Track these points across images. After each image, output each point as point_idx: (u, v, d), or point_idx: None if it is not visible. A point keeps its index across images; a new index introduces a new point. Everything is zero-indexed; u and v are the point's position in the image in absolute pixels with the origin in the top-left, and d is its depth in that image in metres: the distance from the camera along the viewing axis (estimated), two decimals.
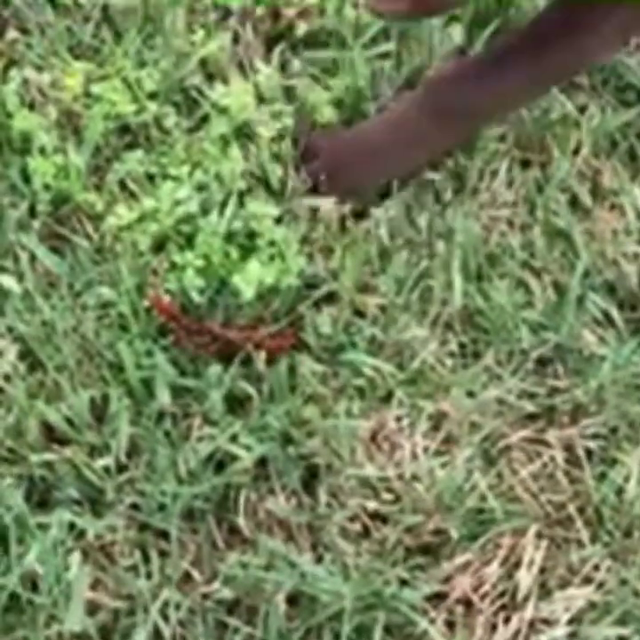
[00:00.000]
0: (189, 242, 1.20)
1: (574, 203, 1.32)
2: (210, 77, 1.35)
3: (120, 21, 1.39)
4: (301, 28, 1.40)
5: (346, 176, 1.28)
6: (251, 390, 1.13)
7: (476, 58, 1.35)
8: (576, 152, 1.35)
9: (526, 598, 1.06)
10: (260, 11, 1.40)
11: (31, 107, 1.30)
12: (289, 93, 1.35)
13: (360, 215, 1.27)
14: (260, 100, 1.33)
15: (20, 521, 1.04)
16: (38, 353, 1.14)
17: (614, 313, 1.24)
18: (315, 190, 1.28)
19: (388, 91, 1.36)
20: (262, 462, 1.09)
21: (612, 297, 1.26)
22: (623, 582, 1.07)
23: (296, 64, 1.37)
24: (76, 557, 1.03)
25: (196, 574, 1.06)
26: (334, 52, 1.38)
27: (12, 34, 1.37)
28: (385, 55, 1.38)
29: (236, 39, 1.39)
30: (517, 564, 1.08)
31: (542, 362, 1.20)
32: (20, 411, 1.10)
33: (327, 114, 1.33)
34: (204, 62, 1.36)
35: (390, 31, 1.39)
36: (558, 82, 1.34)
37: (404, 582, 1.05)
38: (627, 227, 1.30)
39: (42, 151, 1.23)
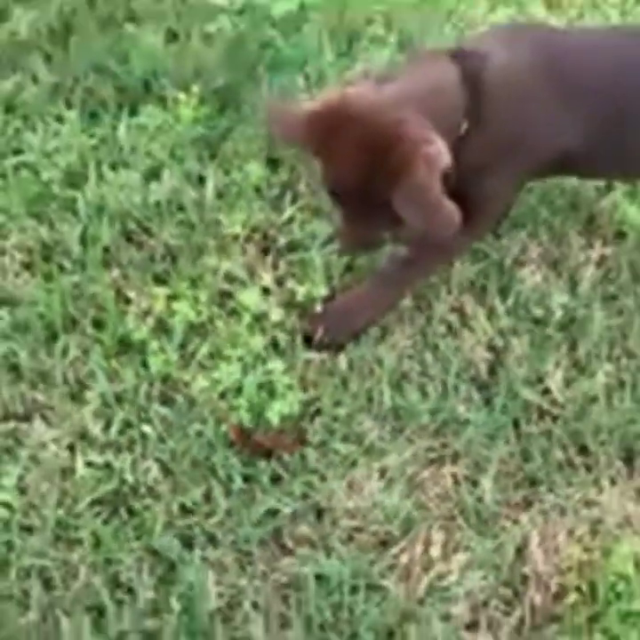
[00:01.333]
0: (239, 391, 2.21)
1: (450, 328, 2.32)
2: (232, 282, 2.35)
3: (182, 265, 2.37)
4: (282, 240, 2.38)
5: (335, 330, 2.27)
6: (282, 471, 2.15)
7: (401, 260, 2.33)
8: (449, 293, 2.35)
9: (436, 561, 2.09)
10: (255, 236, 2.39)
11: (136, 317, 2.30)
12: (281, 284, 2.36)
13: (332, 354, 2.28)
14: (265, 291, 2.33)
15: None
16: (170, 466, 2.16)
17: (474, 394, 2.25)
18: (309, 343, 2.27)
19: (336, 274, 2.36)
20: (293, 514, 2.12)
21: (474, 383, 2.27)
22: (484, 548, 2.10)
23: (282, 265, 2.37)
24: None
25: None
26: (302, 253, 2.37)
27: (114, 272, 2.37)
28: (333, 252, 2.37)
29: (243, 252, 2.39)
30: (430, 544, 2.11)
31: (437, 430, 2.22)
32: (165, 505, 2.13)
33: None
34: (228, 274, 2.35)
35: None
36: (439, 267, 2.35)
37: (373, 562, 2.08)
38: (478, 341, 2.30)
39: (154, 353, 2.23)
